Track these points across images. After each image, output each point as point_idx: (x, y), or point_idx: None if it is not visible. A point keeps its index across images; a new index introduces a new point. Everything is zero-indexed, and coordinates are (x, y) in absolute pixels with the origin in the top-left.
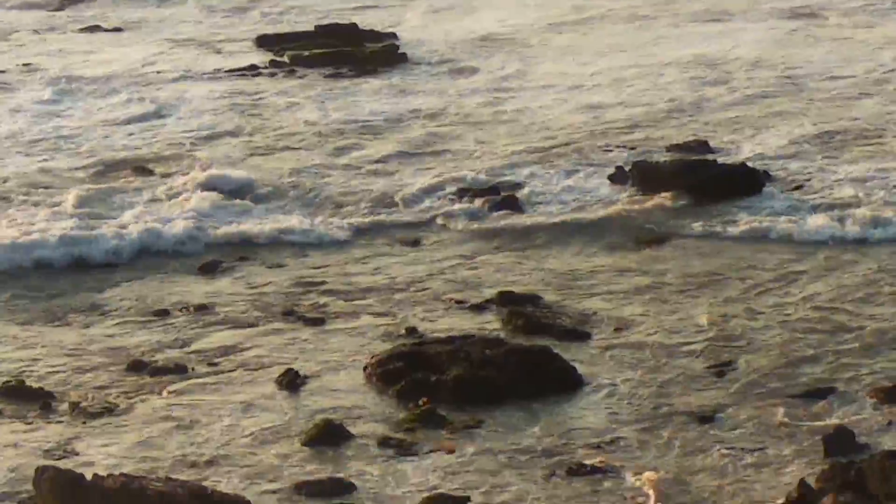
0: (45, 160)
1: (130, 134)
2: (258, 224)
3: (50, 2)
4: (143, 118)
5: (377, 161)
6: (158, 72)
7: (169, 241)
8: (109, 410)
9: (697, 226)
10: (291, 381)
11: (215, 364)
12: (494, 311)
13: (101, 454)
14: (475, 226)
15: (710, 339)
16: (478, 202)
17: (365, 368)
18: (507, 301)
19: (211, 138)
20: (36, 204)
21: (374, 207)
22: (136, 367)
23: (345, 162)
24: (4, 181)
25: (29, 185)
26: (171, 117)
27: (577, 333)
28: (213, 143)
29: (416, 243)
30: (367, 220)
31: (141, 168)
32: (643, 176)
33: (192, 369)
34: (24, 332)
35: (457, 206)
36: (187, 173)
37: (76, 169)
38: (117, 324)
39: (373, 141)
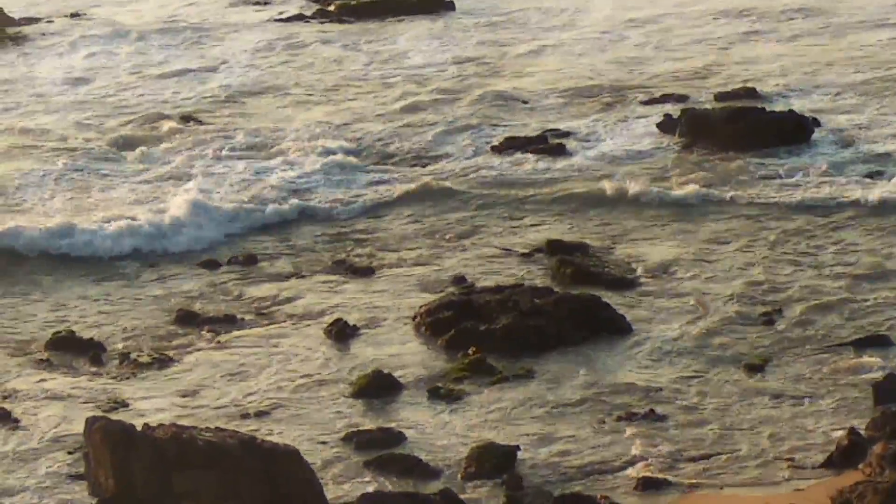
0: (89, 114)
1: (175, 90)
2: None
3: None
4: (190, 71)
5: (420, 109)
6: (207, 22)
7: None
8: (159, 361)
9: (745, 174)
10: (341, 331)
11: (265, 314)
12: (543, 260)
13: (150, 405)
14: (523, 175)
15: (759, 288)
16: (526, 151)
17: (414, 318)
18: (556, 250)
19: (258, 92)
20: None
21: (418, 159)
22: (186, 318)
23: (393, 111)
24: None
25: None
26: (219, 70)
27: (626, 282)
28: (260, 97)
29: (463, 195)
30: (410, 172)
31: (187, 117)
32: (692, 124)
33: (242, 319)
34: (75, 284)
35: (505, 156)
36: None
37: (127, 122)
38: (168, 276)
39: (419, 90)
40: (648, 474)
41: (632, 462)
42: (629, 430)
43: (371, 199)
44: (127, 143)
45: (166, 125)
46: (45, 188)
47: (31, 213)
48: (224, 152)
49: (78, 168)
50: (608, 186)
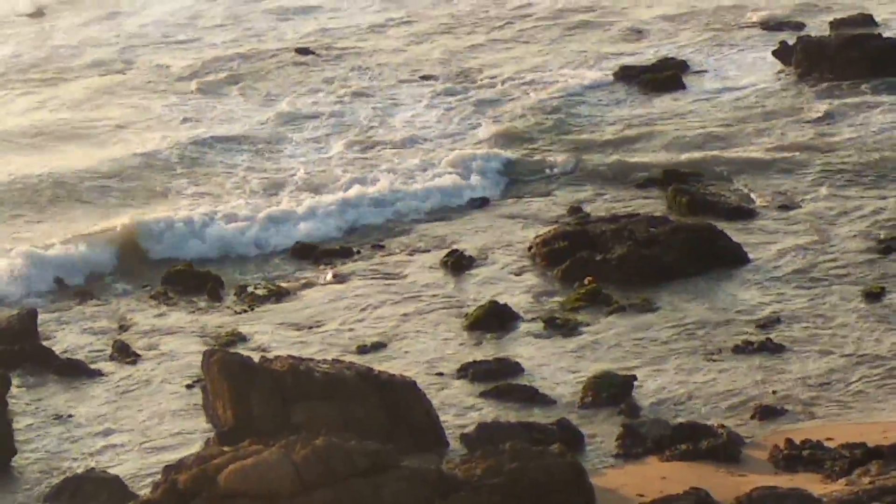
0: None
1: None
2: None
3: None
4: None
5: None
6: None
7: None
8: (276, 295)
9: (866, 101)
10: (457, 263)
11: (381, 247)
12: (658, 189)
13: (268, 338)
14: (638, 108)
15: (877, 217)
16: (642, 80)
17: (529, 248)
18: (671, 179)
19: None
20: None
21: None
22: (302, 251)
23: (493, 41)
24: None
25: None
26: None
27: (743, 211)
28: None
29: (574, 126)
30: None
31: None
32: (808, 51)
33: (358, 252)
34: None
35: (619, 87)
36: None
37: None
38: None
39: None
40: (766, 403)
41: (749, 391)
42: (746, 360)
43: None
44: None
45: None
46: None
47: None
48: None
49: None
50: (726, 118)
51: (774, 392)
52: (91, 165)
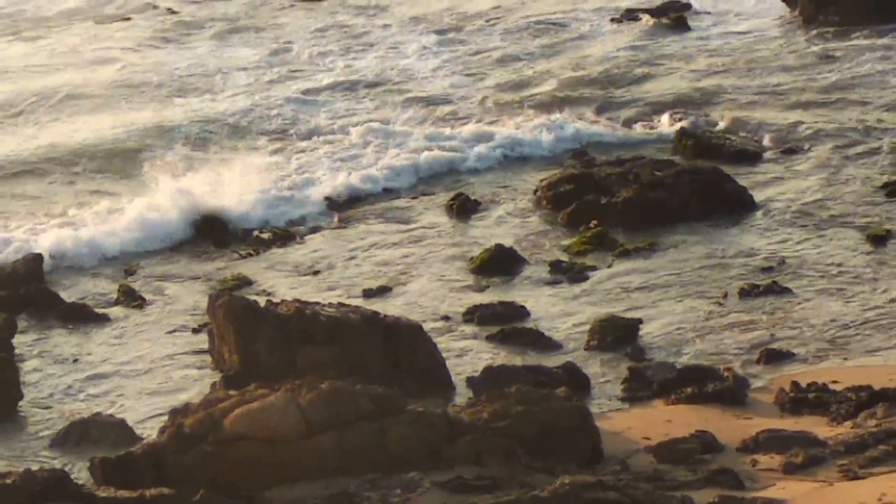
0: None
1: None
2: None
3: None
4: None
5: None
6: None
7: None
8: (282, 239)
9: (871, 44)
10: (462, 207)
11: (388, 191)
12: (664, 131)
13: (274, 282)
14: (640, 51)
15: (882, 161)
16: (644, 22)
17: (535, 192)
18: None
19: None
20: None
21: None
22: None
23: None
24: None
25: None
26: None
27: (748, 154)
28: None
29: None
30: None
31: None
32: None
33: (364, 196)
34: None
35: (623, 27)
36: None
37: None
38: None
39: None
40: (771, 346)
41: (755, 334)
42: (752, 303)
43: None
44: None
45: None
46: None
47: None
48: None
49: None
50: (732, 60)
51: (780, 336)
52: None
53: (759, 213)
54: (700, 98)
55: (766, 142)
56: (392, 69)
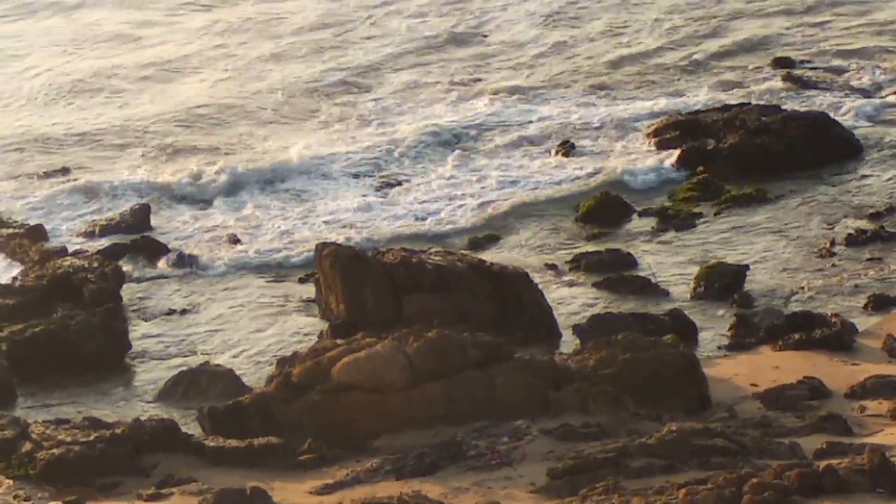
0: None
1: None
2: None
3: None
4: None
5: None
6: None
7: None
8: (388, 185)
9: None
10: (567, 151)
11: (489, 135)
12: (770, 75)
13: (380, 230)
14: None
15: None
16: None
17: (644, 137)
18: (782, 65)
19: None
20: None
21: None
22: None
23: None
24: None
25: None
26: None
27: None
28: None
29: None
30: None
31: None
32: None
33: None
34: None
35: None
36: None
37: None
38: None
39: None
40: (879, 292)
41: (862, 280)
42: (859, 250)
43: None
44: None
45: None
46: None
47: None
48: None
49: None
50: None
51: (888, 281)
52: None
53: (866, 158)
54: (803, 40)
55: (876, 79)
56: None
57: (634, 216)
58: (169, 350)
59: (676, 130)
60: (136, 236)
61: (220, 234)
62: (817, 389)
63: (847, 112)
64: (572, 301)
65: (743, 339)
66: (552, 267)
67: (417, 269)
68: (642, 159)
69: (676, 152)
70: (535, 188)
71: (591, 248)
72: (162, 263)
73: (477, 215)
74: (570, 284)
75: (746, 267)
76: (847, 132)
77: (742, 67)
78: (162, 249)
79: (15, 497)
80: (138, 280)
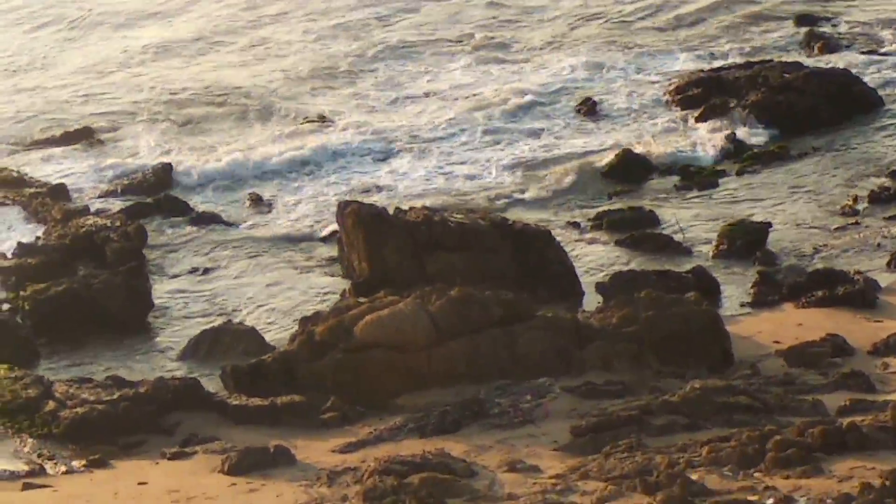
0: None
1: None
2: None
3: None
4: None
5: None
6: None
7: None
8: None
9: None
10: (591, 110)
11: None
12: (790, 32)
13: (402, 188)
14: None
15: None
16: None
17: (664, 95)
18: (804, 22)
19: None
20: None
21: None
22: None
23: None
24: None
25: None
26: None
27: (877, 54)
28: None
29: None
30: None
31: None
32: None
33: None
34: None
35: None
36: None
37: None
38: None
39: None
40: None
41: (885, 237)
42: (882, 207)
43: None
44: None
45: None
46: None
47: None
48: None
49: None
50: None
51: None
52: None
53: (889, 114)
54: None
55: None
56: None
57: (656, 173)
58: (192, 309)
59: (699, 88)
60: (158, 195)
61: (243, 194)
62: (840, 347)
63: (870, 69)
64: (595, 259)
65: (766, 296)
66: (575, 225)
67: (440, 227)
68: (663, 117)
69: (699, 110)
70: (556, 147)
71: (613, 205)
72: (184, 222)
73: (501, 175)
74: (593, 242)
75: (769, 224)
76: (870, 89)
77: (766, 25)
78: (185, 208)
79: (39, 455)
80: (161, 239)
